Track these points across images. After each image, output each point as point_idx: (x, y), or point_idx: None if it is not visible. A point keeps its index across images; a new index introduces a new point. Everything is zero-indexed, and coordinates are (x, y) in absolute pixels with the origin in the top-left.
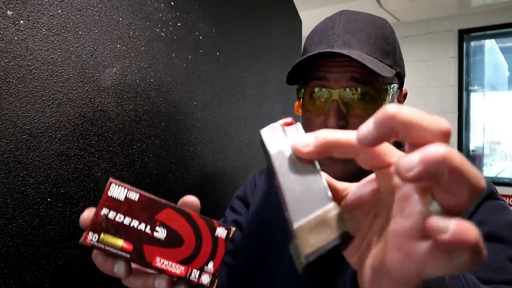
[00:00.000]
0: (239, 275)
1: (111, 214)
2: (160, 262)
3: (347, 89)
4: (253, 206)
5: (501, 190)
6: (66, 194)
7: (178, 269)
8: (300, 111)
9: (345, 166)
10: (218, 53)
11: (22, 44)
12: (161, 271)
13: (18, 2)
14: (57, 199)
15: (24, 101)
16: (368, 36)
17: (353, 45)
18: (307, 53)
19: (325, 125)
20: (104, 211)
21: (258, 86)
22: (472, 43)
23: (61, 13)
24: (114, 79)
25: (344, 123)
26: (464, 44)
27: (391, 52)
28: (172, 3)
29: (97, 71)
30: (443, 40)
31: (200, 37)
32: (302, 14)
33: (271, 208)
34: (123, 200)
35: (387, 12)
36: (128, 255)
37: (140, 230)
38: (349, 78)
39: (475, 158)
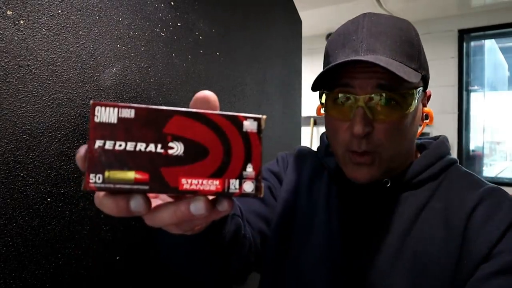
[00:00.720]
0: (271, 249)
1: (108, 144)
2: (188, 183)
3: (373, 95)
4: (286, 185)
5: None
6: (66, 194)
7: (212, 185)
8: (323, 114)
9: (371, 169)
10: (218, 53)
11: (22, 44)
12: (192, 192)
13: (18, 2)
14: (57, 199)
15: (24, 101)
16: (392, 40)
17: (378, 49)
18: (330, 58)
19: (351, 131)
20: (98, 143)
21: (258, 86)
22: (472, 43)
23: (61, 13)
24: (114, 79)
25: (370, 129)
26: (464, 44)
27: (416, 56)
28: (172, 3)
29: (97, 71)
30: (443, 40)
31: (200, 37)
32: (302, 14)
33: (302, 192)
34: (116, 122)
35: (387, 12)
36: (146, 187)
37: (151, 152)
38: (374, 84)
39: (475, 158)
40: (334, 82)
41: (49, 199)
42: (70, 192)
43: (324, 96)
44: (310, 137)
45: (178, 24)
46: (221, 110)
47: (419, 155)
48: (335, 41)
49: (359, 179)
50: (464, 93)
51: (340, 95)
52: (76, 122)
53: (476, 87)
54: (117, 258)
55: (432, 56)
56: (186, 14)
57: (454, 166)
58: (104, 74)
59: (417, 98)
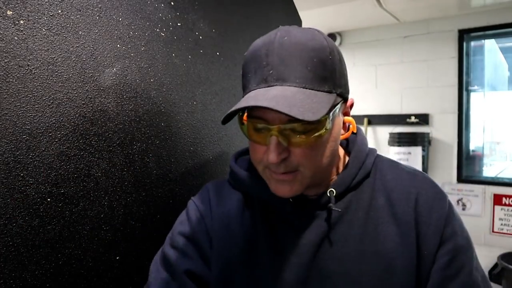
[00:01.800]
0: None
1: None
2: None
3: (285, 126)
4: (217, 237)
5: (501, 190)
6: (66, 194)
7: None
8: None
9: (293, 185)
10: (218, 53)
11: (22, 44)
12: None
13: (18, 2)
14: (57, 199)
15: (24, 101)
16: (303, 65)
17: (287, 78)
18: (244, 80)
19: (267, 159)
20: None
21: None
22: (472, 43)
23: (61, 13)
24: (114, 79)
25: (286, 155)
26: (464, 44)
27: (329, 76)
28: (172, 3)
29: (97, 71)
30: (443, 40)
31: (200, 37)
32: (302, 14)
33: (235, 234)
34: None
35: (387, 12)
36: None
37: None
38: (285, 118)
39: (475, 158)
40: (249, 112)
41: (49, 199)
42: (70, 192)
43: (243, 126)
44: None
45: (178, 24)
46: (221, 110)
47: (346, 156)
48: (248, 62)
49: (282, 195)
50: (464, 93)
51: (255, 122)
52: (76, 122)
53: (476, 87)
54: (117, 258)
55: (432, 56)
56: (186, 14)
57: (378, 158)
58: (104, 74)
59: (331, 120)
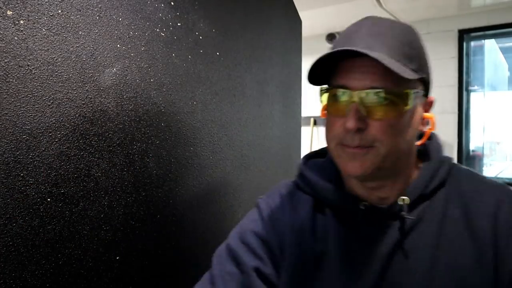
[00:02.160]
0: None
1: None
2: None
3: (367, 92)
4: (289, 241)
5: None
6: (66, 194)
7: None
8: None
9: (364, 161)
10: (218, 53)
11: (22, 44)
12: None
13: (18, 2)
14: (57, 199)
15: (24, 101)
16: (391, 40)
17: (375, 48)
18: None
19: (344, 126)
20: None
21: (258, 86)
22: (472, 43)
23: (61, 13)
24: (114, 79)
25: (363, 126)
26: (464, 44)
27: (415, 57)
28: (172, 3)
29: (97, 71)
30: (443, 40)
31: (200, 37)
32: (302, 14)
33: (306, 240)
34: None
35: (387, 12)
36: None
37: None
38: (369, 80)
39: (475, 158)
40: (332, 79)
41: (49, 199)
42: (70, 192)
43: (323, 95)
44: (310, 137)
45: (178, 24)
46: (221, 110)
47: (420, 164)
48: (337, 41)
49: (352, 172)
50: (464, 93)
51: (337, 91)
52: (76, 122)
53: (476, 87)
54: (117, 258)
55: (432, 56)
56: (186, 14)
57: (456, 167)
58: (104, 74)
59: (413, 99)
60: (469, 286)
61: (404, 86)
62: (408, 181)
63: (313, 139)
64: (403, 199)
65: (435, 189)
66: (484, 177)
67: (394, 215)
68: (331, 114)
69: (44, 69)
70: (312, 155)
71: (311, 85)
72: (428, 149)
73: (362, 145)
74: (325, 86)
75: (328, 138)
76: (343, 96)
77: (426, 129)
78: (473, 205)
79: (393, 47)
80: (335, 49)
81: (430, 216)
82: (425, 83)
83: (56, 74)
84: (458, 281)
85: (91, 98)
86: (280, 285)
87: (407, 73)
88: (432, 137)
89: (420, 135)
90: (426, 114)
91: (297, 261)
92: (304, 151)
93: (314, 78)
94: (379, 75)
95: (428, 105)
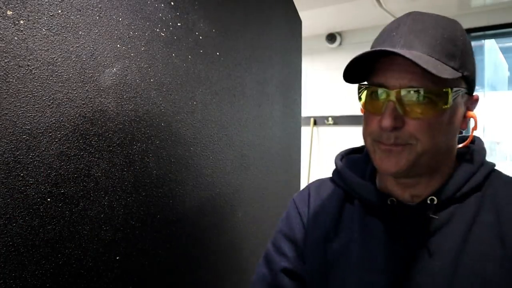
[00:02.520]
0: None
1: None
2: None
3: (404, 90)
4: (312, 236)
5: None
6: (66, 194)
7: None
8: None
9: (400, 159)
10: (218, 53)
11: (22, 44)
12: None
13: (18, 2)
14: (57, 199)
15: (24, 101)
16: (432, 37)
17: (415, 46)
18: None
19: (379, 124)
20: None
21: (258, 86)
22: (472, 43)
23: (61, 13)
24: (114, 79)
25: (400, 124)
26: None
27: (457, 55)
28: (172, 3)
29: (97, 71)
30: None
31: (200, 37)
32: (302, 14)
33: (330, 234)
34: None
35: (387, 12)
36: None
37: None
38: (408, 79)
39: None
40: (371, 76)
41: (49, 199)
42: (70, 192)
43: (362, 92)
44: (310, 137)
45: (178, 24)
46: (221, 110)
47: (457, 164)
48: (377, 38)
49: (386, 169)
50: None
51: (374, 89)
52: (76, 122)
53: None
54: (117, 258)
55: None
56: (186, 14)
57: (496, 173)
58: (104, 74)
59: (453, 97)
60: None
61: (444, 84)
62: (444, 181)
63: (313, 139)
64: (433, 199)
65: (469, 192)
66: None
67: (421, 214)
68: (368, 111)
69: (44, 69)
70: (347, 153)
71: (313, 85)
72: (470, 152)
73: (398, 143)
74: (364, 83)
75: (365, 134)
76: (381, 94)
77: (469, 129)
78: (506, 212)
79: (433, 45)
80: (373, 49)
81: (460, 218)
82: (468, 81)
83: (56, 74)
84: (481, 286)
85: (91, 98)
86: (306, 273)
87: (447, 73)
88: (475, 140)
89: (464, 139)
90: (470, 113)
91: (320, 250)
92: (304, 151)
93: (351, 75)
94: (417, 74)
95: (472, 103)
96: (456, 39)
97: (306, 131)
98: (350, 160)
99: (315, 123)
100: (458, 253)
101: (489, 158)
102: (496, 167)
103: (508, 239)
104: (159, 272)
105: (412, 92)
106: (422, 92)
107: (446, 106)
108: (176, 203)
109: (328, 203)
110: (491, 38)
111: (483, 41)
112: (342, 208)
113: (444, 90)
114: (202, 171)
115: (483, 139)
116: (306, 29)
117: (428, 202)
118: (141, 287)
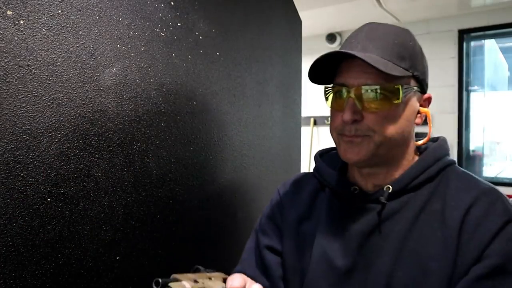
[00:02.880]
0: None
1: None
2: None
3: (361, 88)
4: (289, 216)
5: (501, 190)
6: (66, 194)
7: None
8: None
9: (360, 149)
10: (218, 53)
11: (22, 44)
12: None
13: (18, 2)
14: (57, 199)
15: (24, 101)
16: (385, 42)
17: (369, 49)
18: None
19: (342, 119)
20: None
21: (258, 86)
22: (472, 43)
23: (61, 13)
24: (114, 79)
25: (359, 118)
26: (464, 44)
27: (407, 57)
28: (172, 3)
29: (97, 71)
30: (443, 40)
31: (200, 37)
32: (302, 14)
33: (304, 214)
34: None
35: (387, 12)
36: None
37: None
38: (364, 78)
39: (475, 158)
40: (335, 79)
41: (49, 199)
42: (70, 192)
43: (327, 92)
44: (310, 137)
45: (178, 24)
46: (221, 110)
47: (416, 158)
48: (341, 46)
49: (350, 158)
50: (464, 93)
51: (337, 89)
52: (76, 122)
53: (476, 87)
54: (117, 258)
55: (432, 56)
56: (186, 14)
57: (451, 167)
58: (104, 74)
59: (404, 93)
60: (431, 272)
61: (396, 82)
62: (401, 173)
63: (313, 139)
64: (388, 187)
65: (422, 183)
66: (477, 179)
67: (376, 201)
68: (333, 109)
69: (44, 69)
70: (326, 151)
71: (313, 85)
72: (429, 148)
73: (358, 134)
74: (330, 85)
75: (331, 129)
76: (343, 93)
77: (426, 126)
78: (452, 200)
79: (386, 49)
80: (331, 51)
81: (412, 206)
82: (419, 80)
83: (56, 74)
84: (421, 266)
85: (91, 98)
86: (284, 251)
87: (396, 71)
88: (438, 139)
89: (434, 140)
90: (422, 109)
91: (293, 227)
92: (304, 151)
93: (319, 78)
94: (372, 73)
95: (424, 101)
96: (406, 44)
97: (306, 131)
98: (329, 156)
99: (315, 123)
100: (404, 236)
101: (489, 158)
102: (455, 164)
103: (449, 221)
104: (159, 272)
105: (368, 89)
106: (376, 89)
107: (398, 101)
108: (176, 203)
109: (305, 191)
110: (491, 38)
111: (483, 41)
112: (316, 195)
113: (395, 86)
114: (202, 171)
115: (483, 139)
116: (306, 29)
117: (384, 190)
118: (141, 287)
